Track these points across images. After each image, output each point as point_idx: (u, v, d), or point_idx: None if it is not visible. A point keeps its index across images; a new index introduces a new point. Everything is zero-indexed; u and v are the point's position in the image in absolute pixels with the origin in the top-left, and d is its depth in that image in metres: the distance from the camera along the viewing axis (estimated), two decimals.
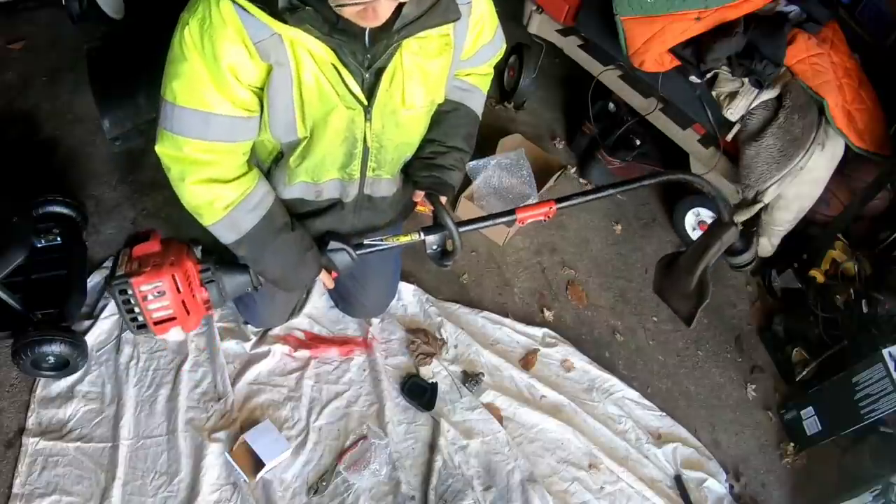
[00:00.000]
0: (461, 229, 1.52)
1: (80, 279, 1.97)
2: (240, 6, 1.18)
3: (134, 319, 1.44)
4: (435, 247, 1.55)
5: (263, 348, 2.03)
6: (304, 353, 2.05)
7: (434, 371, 2.10)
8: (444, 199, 1.57)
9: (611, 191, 1.66)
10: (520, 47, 2.88)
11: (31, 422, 1.80)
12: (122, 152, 2.40)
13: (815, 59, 2.23)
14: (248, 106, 1.31)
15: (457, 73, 1.57)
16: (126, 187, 2.35)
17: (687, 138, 2.51)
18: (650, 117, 2.57)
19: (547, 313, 2.38)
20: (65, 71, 2.62)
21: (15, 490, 1.68)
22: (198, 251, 1.54)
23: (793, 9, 2.36)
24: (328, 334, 2.12)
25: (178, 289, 1.42)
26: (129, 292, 1.40)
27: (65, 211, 2.06)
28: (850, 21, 2.53)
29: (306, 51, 1.24)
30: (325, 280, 1.59)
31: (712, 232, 1.67)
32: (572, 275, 2.53)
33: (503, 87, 3.08)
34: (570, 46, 2.73)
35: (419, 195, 1.57)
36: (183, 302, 1.44)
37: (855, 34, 2.50)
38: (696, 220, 2.65)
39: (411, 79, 1.35)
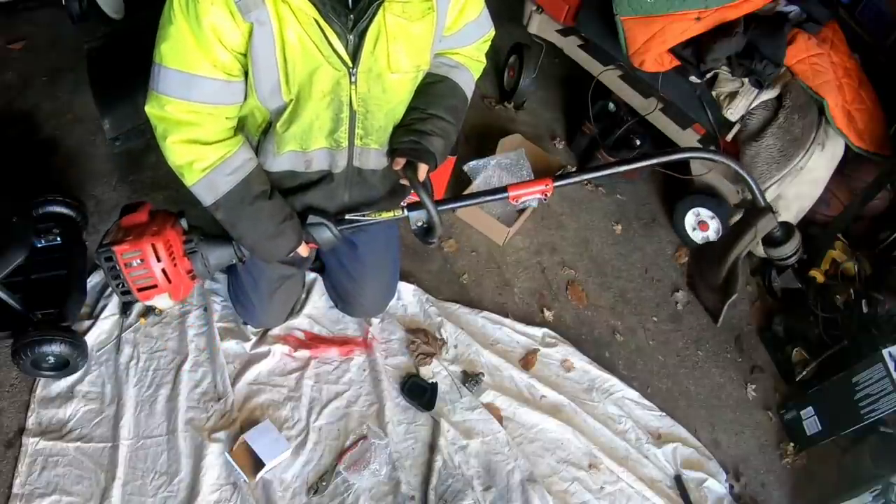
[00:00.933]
0: (442, 207, 1.50)
1: (80, 279, 1.97)
2: None
3: (119, 286, 1.49)
4: (419, 223, 1.53)
5: (263, 348, 2.03)
6: (304, 353, 2.05)
7: (434, 371, 2.10)
8: (424, 170, 1.53)
9: (615, 168, 1.55)
10: (520, 47, 2.88)
11: (31, 422, 1.80)
12: (122, 152, 2.40)
13: (815, 59, 2.23)
14: (229, 69, 1.33)
15: (444, 52, 1.58)
16: (126, 187, 2.35)
17: (687, 138, 2.51)
18: (650, 117, 2.57)
19: (547, 313, 2.38)
20: (65, 71, 2.62)
21: (15, 490, 1.68)
22: (184, 222, 1.56)
23: (793, 9, 2.36)
24: (328, 334, 2.12)
25: (157, 257, 1.46)
26: (113, 259, 1.45)
27: (65, 211, 2.06)
28: (850, 21, 2.54)
29: (288, 7, 1.26)
30: (300, 249, 1.59)
31: (746, 219, 1.50)
32: (572, 275, 2.53)
33: (503, 87, 3.08)
34: (570, 46, 2.73)
35: (399, 163, 1.52)
36: (164, 270, 1.47)
37: (855, 34, 2.50)
38: (696, 220, 2.65)
39: (396, 41, 1.37)
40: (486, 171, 2.48)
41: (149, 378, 1.92)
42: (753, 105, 2.30)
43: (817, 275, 2.42)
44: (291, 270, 1.93)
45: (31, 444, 1.76)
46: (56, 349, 1.76)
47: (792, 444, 2.26)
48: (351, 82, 1.39)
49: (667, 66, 2.36)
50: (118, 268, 1.45)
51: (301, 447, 1.87)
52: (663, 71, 2.38)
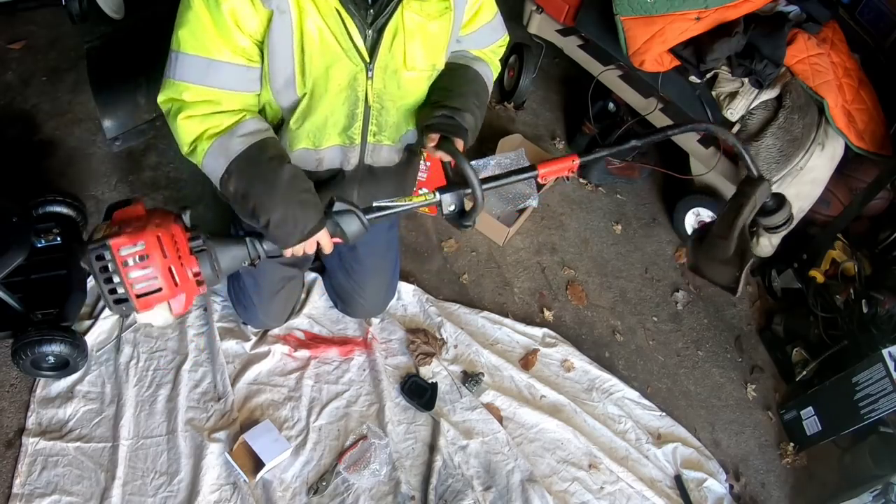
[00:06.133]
0: (484, 186, 1.40)
1: (80, 279, 1.96)
2: None
3: (113, 291, 1.21)
4: (452, 207, 1.43)
5: (263, 348, 2.03)
6: (304, 353, 2.05)
7: (434, 371, 2.10)
8: (460, 144, 1.45)
9: (634, 142, 1.59)
10: (520, 47, 2.88)
11: (31, 422, 1.80)
12: (122, 152, 2.40)
13: (815, 59, 2.23)
14: (248, 55, 1.33)
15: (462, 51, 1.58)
16: (126, 187, 2.35)
17: (687, 138, 2.51)
18: (650, 117, 2.57)
19: (547, 313, 2.38)
20: (65, 71, 2.62)
21: (15, 490, 1.68)
22: (187, 218, 1.31)
23: (793, 9, 2.36)
24: (328, 334, 2.12)
25: (164, 253, 1.21)
26: (108, 257, 1.18)
27: (65, 211, 2.06)
28: (850, 21, 2.53)
29: None
30: (325, 244, 1.40)
31: (743, 191, 1.56)
32: (572, 275, 2.53)
33: (503, 87, 3.08)
34: (570, 46, 2.73)
35: (433, 139, 1.44)
36: (170, 269, 1.22)
37: (855, 34, 2.50)
38: (696, 219, 2.65)
39: (413, 39, 1.38)
40: (486, 172, 2.48)
41: (149, 378, 1.92)
42: (753, 105, 2.30)
43: (817, 275, 2.42)
44: (293, 272, 1.93)
45: (31, 444, 1.76)
46: (56, 349, 1.76)
47: (792, 444, 2.26)
48: (368, 77, 1.39)
49: (667, 66, 2.36)
50: (114, 267, 1.18)
51: (301, 447, 1.87)
52: (663, 71, 2.38)
